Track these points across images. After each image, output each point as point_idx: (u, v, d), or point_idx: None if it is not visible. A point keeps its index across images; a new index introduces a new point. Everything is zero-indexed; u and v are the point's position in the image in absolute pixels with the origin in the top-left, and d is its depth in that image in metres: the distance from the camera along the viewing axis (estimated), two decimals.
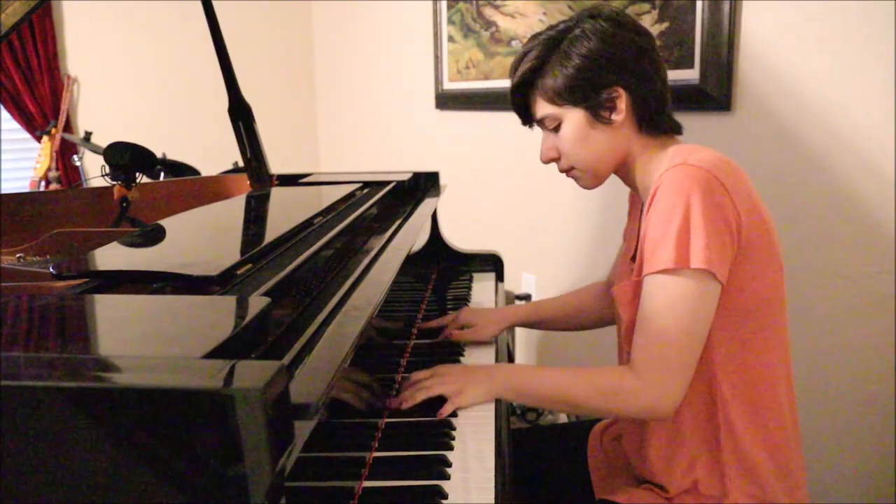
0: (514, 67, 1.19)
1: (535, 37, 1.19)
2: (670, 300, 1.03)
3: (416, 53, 2.81)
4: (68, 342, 0.68)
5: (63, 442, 0.53)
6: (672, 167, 1.06)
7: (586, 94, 1.12)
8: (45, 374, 0.56)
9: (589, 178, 1.20)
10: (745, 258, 1.05)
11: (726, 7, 1.73)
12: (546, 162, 1.21)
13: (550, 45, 1.14)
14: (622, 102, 1.12)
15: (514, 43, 2.36)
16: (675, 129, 1.19)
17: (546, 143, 1.20)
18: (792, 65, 1.64)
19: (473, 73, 2.56)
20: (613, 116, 1.13)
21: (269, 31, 3.42)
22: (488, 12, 2.47)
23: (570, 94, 1.13)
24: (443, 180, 1.93)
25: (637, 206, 1.28)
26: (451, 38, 2.64)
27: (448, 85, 2.69)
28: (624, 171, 1.20)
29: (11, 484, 0.53)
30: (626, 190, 1.33)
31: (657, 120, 1.15)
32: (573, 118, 1.14)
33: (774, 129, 1.68)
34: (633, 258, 1.18)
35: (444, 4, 2.65)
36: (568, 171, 1.21)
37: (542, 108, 1.17)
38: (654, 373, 1.04)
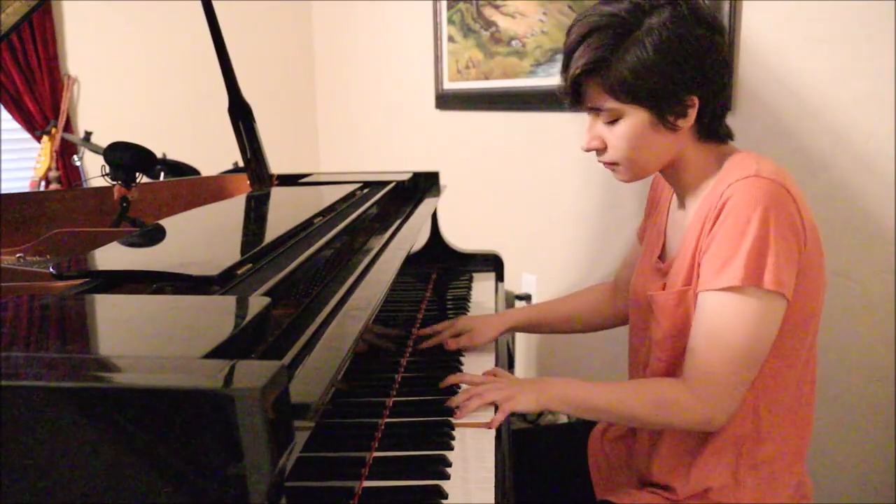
0: (572, 49, 1.04)
1: (593, 13, 1.03)
2: (736, 319, 0.99)
3: (416, 53, 2.81)
4: (68, 342, 0.68)
5: (63, 442, 0.53)
6: (743, 178, 1.00)
7: (659, 98, 1.02)
8: (45, 374, 0.56)
9: (629, 175, 1.11)
10: (802, 273, 1.02)
11: (726, 7, 1.72)
12: (588, 150, 1.11)
13: (620, 30, 1.00)
14: (694, 110, 1.04)
15: (513, 43, 2.36)
16: (730, 135, 1.13)
17: (592, 130, 1.09)
18: (792, 65, 1.63)
19: (473, 73, 2.56)
20: (680, 123, 1.04)
21: (269, 31, 3.41)
22: (488, 12, 2.47)
23: (641, 95, 1.01)
24: (443, 180, 1.93)
25: (664, 202, 1.23)
26: (451, 38, 2.63)
27: (448, 85, 2.69)
28: (671, 170, 1.13)
29: (12, 484, 0.53)
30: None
31: (717, 126, 1.09)
32: (635, 117, 1.04)
33: (775, 129, 1.68)
34: (661, 258, 1.16)
35: (444, 4, 2.64)
36: (609, 163, 1.11)
37: (602, 100, 1.05)
38: (708, 390, 1.01)
